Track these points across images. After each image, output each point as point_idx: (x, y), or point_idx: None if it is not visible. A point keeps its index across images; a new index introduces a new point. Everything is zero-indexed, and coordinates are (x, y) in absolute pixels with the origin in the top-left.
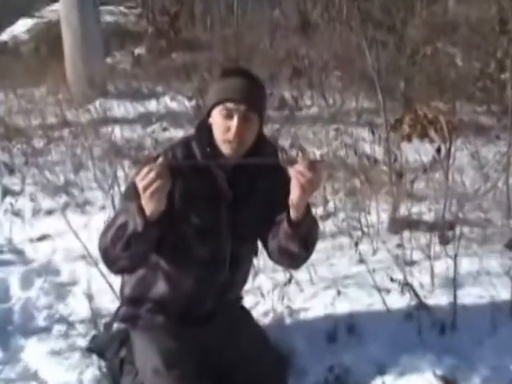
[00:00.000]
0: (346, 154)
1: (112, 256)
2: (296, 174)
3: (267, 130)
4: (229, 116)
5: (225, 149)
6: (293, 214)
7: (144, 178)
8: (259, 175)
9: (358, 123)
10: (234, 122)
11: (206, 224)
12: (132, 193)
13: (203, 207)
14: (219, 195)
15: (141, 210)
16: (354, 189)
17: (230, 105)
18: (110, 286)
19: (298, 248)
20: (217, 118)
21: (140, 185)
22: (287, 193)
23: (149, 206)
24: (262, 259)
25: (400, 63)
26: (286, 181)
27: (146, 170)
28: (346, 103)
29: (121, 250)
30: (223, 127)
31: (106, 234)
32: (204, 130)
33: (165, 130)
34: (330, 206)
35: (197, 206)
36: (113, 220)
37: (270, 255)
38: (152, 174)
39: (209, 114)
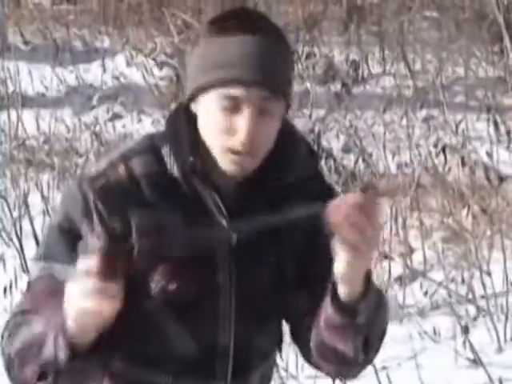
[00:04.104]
0: (444, 164)
1: (20, 378)
2: (337, 224)
3: (303, 121)
4: (233, 108)
5: (225, 162)
6: (342, 290)
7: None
8: (284, 199)
9: (469, 107)
10: (245, 120)
11: (190, 294)
12: (61, 246)
13: (185, 264)
14: (214, 241)
15: (63, 325)
16: (461, 229)
17: (236, 91)
18: None
19: (353, 348)
20: (210, 110)
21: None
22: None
23: (86, 320)
24: (291, 355)
25: None
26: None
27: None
28: (445, 70)
29: (33, 379)
30: (223, 126)
31: (12, 333)
32: (183, 125)
33: (116, 118)
34: (417, 258)
35: (174, 263)
36: (24, 306)
37: (304, 353)
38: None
39: (192, 99)
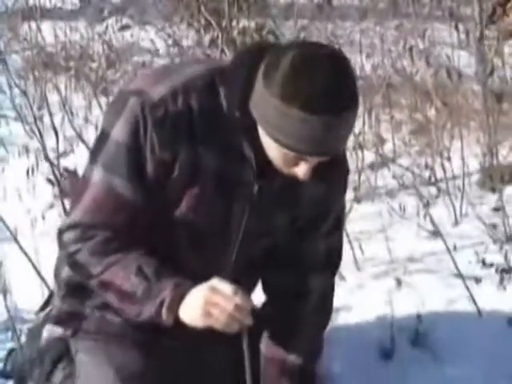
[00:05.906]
0: (412, 66)
1: (90, 281)
2: None
3: (289, 30)
4: (296, 158)
5: (279, 167)
6: None
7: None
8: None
9: (434, 15)
10: (307, 169)
11: (205, 224)
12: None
13: (208, 199)
14: (238, 184)
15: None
16: (426, 121)
17: (302, 155)
18: (38, 272)
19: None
20: (274, 148)
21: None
22: (333, 210)
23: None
24: None
25: None
26: (340, 190)
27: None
28: None
29: (113, 303)
30: (284, 161)
31: (95, 250)
32: (246, 85)
33: (124, 28)
34: (387, 147)
35: (199, 197)
36: (96, 217)
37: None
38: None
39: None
